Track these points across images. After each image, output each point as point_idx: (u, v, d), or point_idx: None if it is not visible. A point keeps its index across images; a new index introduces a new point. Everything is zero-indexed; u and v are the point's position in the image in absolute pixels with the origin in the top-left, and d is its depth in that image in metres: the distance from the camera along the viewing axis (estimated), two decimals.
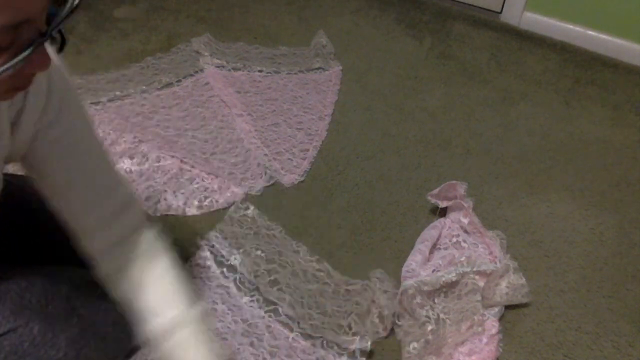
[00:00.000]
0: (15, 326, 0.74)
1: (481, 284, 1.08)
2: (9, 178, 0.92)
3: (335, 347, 0.99)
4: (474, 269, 1.08)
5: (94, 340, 0.81)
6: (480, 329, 1.02)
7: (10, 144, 0.66)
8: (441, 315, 1.03)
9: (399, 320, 1.04)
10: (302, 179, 1.34)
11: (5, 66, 0.47)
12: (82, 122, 0.73)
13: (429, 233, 1.17)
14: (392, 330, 1.04)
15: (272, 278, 1.07)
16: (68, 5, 0.52)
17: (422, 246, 1.13)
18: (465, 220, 1.19)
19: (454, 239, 1.18)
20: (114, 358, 0.88)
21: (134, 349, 0.95)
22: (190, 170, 1.32)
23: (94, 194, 0.74)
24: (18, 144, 0.67)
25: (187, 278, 0.81)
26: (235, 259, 1.10)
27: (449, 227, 1.20)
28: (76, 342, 0.79)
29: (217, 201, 1.26)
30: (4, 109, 0.61)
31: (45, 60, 0.52)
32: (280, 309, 1.04)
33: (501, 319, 1.06)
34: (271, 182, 1.32)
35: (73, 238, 0.77)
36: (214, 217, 1.24)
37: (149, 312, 0.75)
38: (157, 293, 0.77)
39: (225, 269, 1.10)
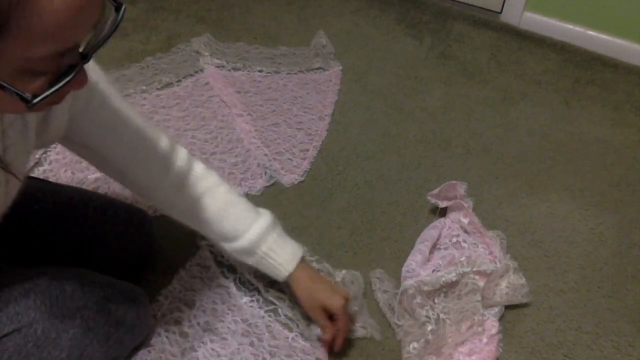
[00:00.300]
0: (19, 326, 0.75)
1: (481, 284, 1.08)
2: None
3: None
4: (474, 269, 1.08)
5: (97, 340, 0.82)
6: (480, 329, 1.02)
7: (39, 136, 0.71)
8: (441, 315, 1.03)
9: (399, 320, 1.04)
10: (302, 179, 1.34)
11: (51, 91, 0.50)
12: (111, 93, 0.80)
13: (429, 233, 1.17)
14: (392, 330, 1.04)
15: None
16: (108, 26, 0.56)
17: (422, 246, 1.13)
18: (465, 220, 1.19)
19: (454, 239, 1.18)
20: (116, 358, 0.88)
21: (136, 348, 0.95)
22: None
23: (142, 155, 0.84)
24: (53, 132, 0.73)
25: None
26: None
27: (449, 227, 1.20)
28: (79, 342, 0.80)
29: None
30: None
31: (84, 79, 0.56)
32: (280, 309, 1.04)
33: (501, 319, 1.06)
34: (271, 182, 1.32)
35: (140, 196, 0.93)
36: None
37: (237, 230, 0.90)
38: (236, 212, 0.91)
39: (225, 269, 1.10)
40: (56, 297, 0.79)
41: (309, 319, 1.00)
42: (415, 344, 0.98)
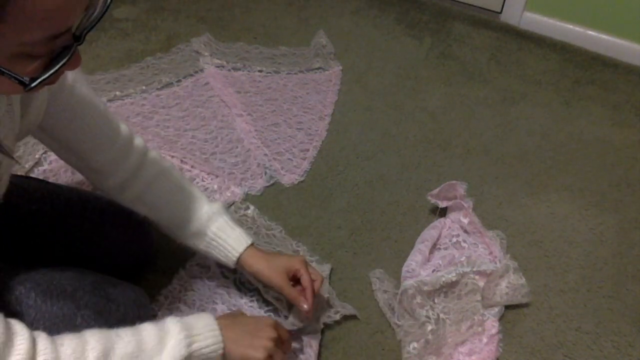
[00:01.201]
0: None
1: (481, 284, 1.08)
2: (11, 179, 0.92)
3: None
4: (474, 269, 1.08)
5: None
6: (480, 329, 1.02)
7: (23, 120, 0.72)
8: (441, 315, 1.03)
9: (399, 320, 1.04)
10: (302, 179, 1.34)
11: (48, 73, 0.52)
12: (79, 77, 0.80)
13: (429, 233, 1.17)
14: (392, 330, 1.04)
15: None
16: (98, 7, 0.58)
17: (422, 246, 1.13)
18: (465, 220, 1.19)
19: (454, 239, 1.18)
20: None
21: None
22: (190, 170, 1.32)
23: (105, 139, 0.86)
24: (33, 115, 0.74)
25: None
26: None
27: (449, 227, 1.20)
28: None
29: (216, 201, 1.26)
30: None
31: (78, 60, 0.57)
32: (279, 310, 1.04)
33: (501, 319, 1.06)
34: (271, 182, 1.32)
35: (93, 182, 0.93)
36: None
37: (188, 212, 0.92)
38: (187, 195, 0.93)
39: (225, 269, 1.10)
40: (57, 296, 0.80)
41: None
42: (415, 344, 0.98)
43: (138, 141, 0.91)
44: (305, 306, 0.91)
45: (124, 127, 0.89)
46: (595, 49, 1.81)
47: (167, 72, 1.63)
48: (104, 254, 0.98)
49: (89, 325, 0.80)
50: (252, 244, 0.94)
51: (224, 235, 0.93)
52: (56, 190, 0.98)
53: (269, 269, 0.92)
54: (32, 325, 0.75)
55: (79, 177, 1.27)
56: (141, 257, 1.05)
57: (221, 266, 1.11)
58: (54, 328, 0.77)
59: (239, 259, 0.93)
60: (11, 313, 0.75)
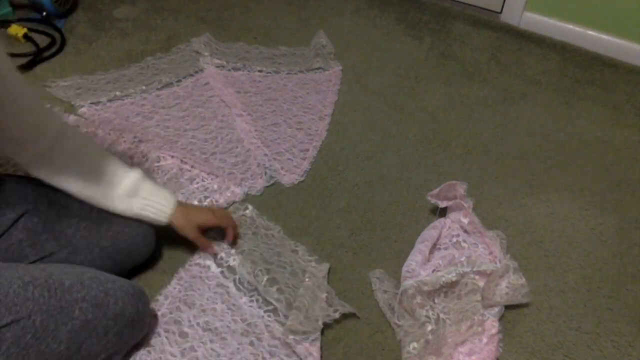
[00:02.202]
0: (18, 318, 0.76)
1: (481, 284, 1.08)
2: (6, 179, 0.92)
3: None
4: (474, 269, 1.08)
5: (95, 333, 0.83)
6: (480, 329, 1.02)
7: None
8: (441, 315, 1.03)
9: (399, 320, 1.04)
10: (302, 179, 1.34)
11: None
12: (8, 71, 0.82)
13: (429, 233, 1.17)
14: (392, 330, 1.04)
15: (270, 277, 1.07)
16: None
17: (422, 246, 1.13)
18: (465, 220, 1.19)
19: (454, 239, 1.18)
20: (115, 353, 0.89)
21: (136, 348, 0.95)
22: (190, 170, 1.32)
23: (25, 104, 0.86)
24: None
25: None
26: (234, 260, 1.10)
27: (449, 227, 1.20)
28: (78, 335, 0.81)
29: (217, 201, 1.26)
30: None
31: None
32: (279, 309, 1.04)
33: (501, 319, 1.06)
34: (271, 182, 1.32)
35: (13, 153, 0.91)
36: None
37: (116, 175, 0.97)
38: (113, 161, 0.98)
39: (225, 269, 1.10)
40: (55, 289, 0.80)
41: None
42: (415, 344, 0.98)
43: (57, 112, 0.96)
44: (214, 247, 1.10)
45: (42, 101, 0.93)
46: (595, 49, 1.81)
47: (167, 72, 1.63)
48: (104, 252, 0.98)
49: (86, 319, 0.81)
50: (179, 202, 1.05)
51: (158, 193, 1.01)
52: (53, 189, 0.98)
53: (183, 224, 1.04)
54: (29, 318, 0.76)
55: None
56: (142, 255, 1.06)
57: (221, 266, 1.11)
58: (51, 320, 0.78)
59: (171, 214, 1.02)
60: (7, 306, 0.75)
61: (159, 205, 1.00)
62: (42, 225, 0.94)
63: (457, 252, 1.13)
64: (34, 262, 0.92)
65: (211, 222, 1.08)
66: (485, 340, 1.01)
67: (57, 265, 0.87)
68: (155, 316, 1.01)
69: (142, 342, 0.96)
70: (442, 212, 1.25)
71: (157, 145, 1.37)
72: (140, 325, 0.93)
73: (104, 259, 0.98)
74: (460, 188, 1.21)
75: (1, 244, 0.90)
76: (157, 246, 1.09)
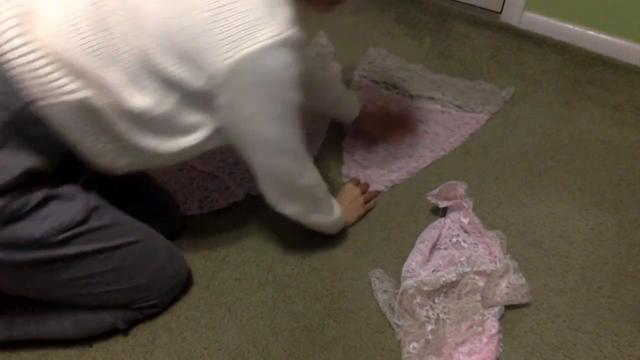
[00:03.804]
0: (131, 240, 0.94)
1: (481, 284, 1.08)
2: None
3: None
4: (474, 269, 1.08)
5: (164, 280, 1.03)
6: (480, 329, 1.02)
7: None
8: (441, 315, 1.03)
9: (398, 320, 1.04)
10: None
11: None
12: None
13: (429, 233, 1.17)
14: (392, 330, 1.04)
15: None
16: None
17: (422, 246, 1.13)
18: (465, 220, 1.19)
19: (454, 239, 1.18)
20: (172, 290, 1.07)
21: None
22: (190, 170, 1.32)
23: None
24: None
25: None
26: None
27: (449, 227, 1.20)
28: (154, 277, 1.00)
29: (217, 201, 1.26)
30: None
31: None
32: None
33: (501, 319, 1.06)
34: None
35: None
36: (214, 217, 1.24)
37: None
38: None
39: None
40: (149, 233, 1.00)
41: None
42: (415, 344, 0.98)
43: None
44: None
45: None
46: (595, 49, 1.81)
47: None
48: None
49: (163, 265, 1.02)
50: None
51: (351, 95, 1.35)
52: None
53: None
54: (136, 244, 0.96)
55: None
56: (171, 230, 1.17)
57: None
58: (146, 254, 0.98)
59: None
60: (125, 229, 0.94)
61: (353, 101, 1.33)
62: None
63: (457, 252, 1.13)
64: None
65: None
66: (485, 340, 1.01)
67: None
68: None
69: None
70: (443, 212, 1.25)
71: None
72: (184, 276, 1.10)
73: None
74: (460, 188, 1.21)
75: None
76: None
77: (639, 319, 1.09)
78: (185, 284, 1.11)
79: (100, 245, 0.89)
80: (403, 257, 1.13)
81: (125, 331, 1.04)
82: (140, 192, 1.11)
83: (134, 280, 0.97)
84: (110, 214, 0.92)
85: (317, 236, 1.21)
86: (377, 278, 1.12)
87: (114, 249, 0.91)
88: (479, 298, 1.06)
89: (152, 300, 1.03)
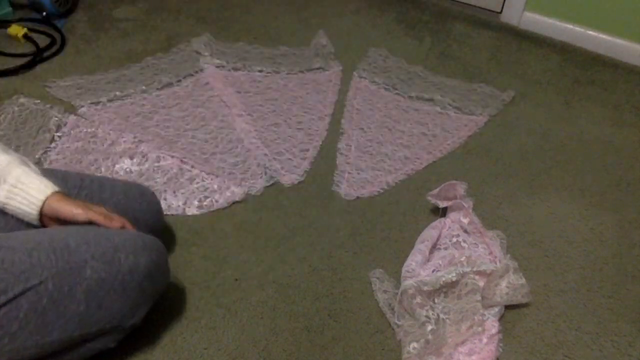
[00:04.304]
0: (29, 285, 0.75)
1: (481, 284, 1.08)
2: None
3: None
4: (474, 269, 1.08)
5: (113, 290, 0.82)
6: (480, 329, 1.02)
7: None
8: (441, 316, 1.03)
9: (399, 320, 1.04)
10: (302, 179, 1.34)
11: None
12: None
13: (429, 233, 1.17)
14: (392, 330, 1.04)
15: None
16: None
17: (422, 246, 1.13)
18: (465, 220, 1.19)
19: (454, 239, 1.18)
20: (139, 306, 0.88)
21: (159, 297, 0.95)
22: (190, 170, 1.32)
23: None
24: None
25: None
26: None
27: (449, 227, 1.20)
28: (95, 294, 0.80)
29: (217, 201, 1.26)
30: None
31: None
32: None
33: (501, 319, 1.06)
34: (271, 182, 1.32)
35: None
36: (214, 217, 1.24)
37: None
38: None
39: None
40: (61, 251, 0.79)
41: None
42: (415, 344, 0.98)
43: None
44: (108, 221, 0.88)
45: None
46: (595, 49, 1.81)
47: (167, 72, 1.63)
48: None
49: (99, 277, 0.80)
50: (59, 192, 0.86)
51: (27, 180, 0.84)
52: (65, 172, 0.98)
53: (71, 205, 0.86)
54: (40, 284, 0.76)
55: None
56: (153, 226, 1.04)
57: None
58: (64, 282, 0.77)
59: (44, 203, 0.84)
60: (15, 275, 0.75)
61: (32, 190, 0.84)
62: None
63: (457, 252, 1.13)
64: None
65: (80, 218, 0.87)
66: (485, 340, 1.01)
67: (59, 228, 0.85)
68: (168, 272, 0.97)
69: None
70: (443, 212, 1.25)
71: (157, 145, 1.37)
72: (160, 276, 0.91)
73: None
74: (460, 188, 1.21)
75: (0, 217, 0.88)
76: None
77: (639, 319, 1.08)
78: (162, 278, 0.93)
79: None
80: (403, 257, 1.13)
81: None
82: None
83: (68, 315, 0.79)
84: None
85: (316, 236, 1.21)
86: (377, 278, 1.12)
87: (18, 296, 0.75)
88: (479, 298, 1.06)
89: (117, 321, 0.85)
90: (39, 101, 1.48)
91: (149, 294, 0.89)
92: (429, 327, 0.99)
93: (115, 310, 0.83)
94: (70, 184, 0.96)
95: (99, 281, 0.80)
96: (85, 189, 0.97)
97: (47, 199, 0.84)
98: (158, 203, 1.08)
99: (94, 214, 0.87)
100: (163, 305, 1.05)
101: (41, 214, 0.85)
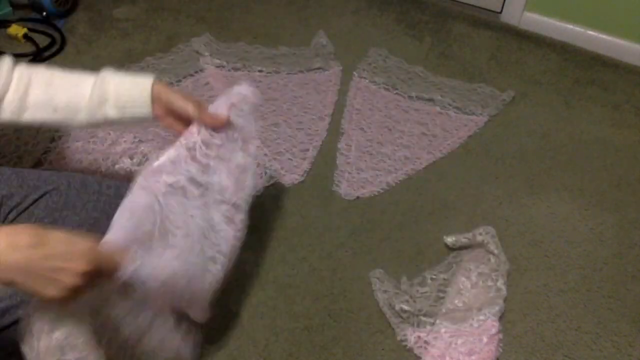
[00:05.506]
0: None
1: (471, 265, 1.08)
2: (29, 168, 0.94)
3: None
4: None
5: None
6: (480, 329, 1.02)
7: None
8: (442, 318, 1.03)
9: (397, 319, 1.04)
10: (302, 179, 1.34)
11: None
12: None
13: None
14: (392, 330, 1.04)
15: None
16: None
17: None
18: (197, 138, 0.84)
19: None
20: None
21: None
22: None
23: None
24: None
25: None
26: None
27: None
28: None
29: None
30: None
31: None
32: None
33: (501, 319, 1.06)
34: (271, 182, 1.32)
35: None
36: None
37: (80, 87, 0.85)
38: (69, 77, 0.86)
39: None
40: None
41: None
42: (412, 340, 0.98)
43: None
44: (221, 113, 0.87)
45: None
46: (595, 49, 1.81)
47: (167, 72, 1.63)
48: None
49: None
50: (155, 79, 0.86)
51: (127, 84, 0.84)
52: (70, 173, 0.99)
53: (181, 96, 0.85)
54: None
55: None
56: None
57: None
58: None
59: (152, 92, 0.84)
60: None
61: (135, 88, 0.84)
62: (62, 202, 0.94)
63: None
64: None
65: (189, 111, 0.84)
66: (485, 340, 1.01)
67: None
68: None
69: None
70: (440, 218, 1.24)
71: (157, 145, 1.37)
72: None
73: None
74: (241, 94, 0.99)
75: (23, 221, 0.90)
76: None
77: (639, 319, 1.08)
78: None
79: None
80: (403, 257, 1.14)
81: None
82: None
83: None
84: None
85: (316, 236, 1.21)
86: (377, 278, 1.12)
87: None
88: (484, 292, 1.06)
89: None
90: None
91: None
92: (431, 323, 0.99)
93: None
94: (89, 189, 0.97)
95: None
96: (104, 194, 0.99)
97: (152, 86, 0.84)
98: None
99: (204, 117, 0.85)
100: None
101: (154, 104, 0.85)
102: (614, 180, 1.38)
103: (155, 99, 0.85)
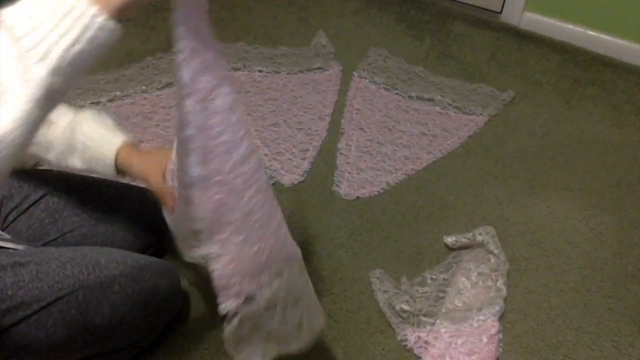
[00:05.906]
0: (62, 294, 0.78)
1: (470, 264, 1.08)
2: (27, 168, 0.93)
3: None
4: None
5: (136, 307, 0.85)
6: (480, 329, 1.02)
7: None
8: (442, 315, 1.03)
9: (397, 319, 1.04)
10: (302, 179, 1.34)
11: None
12: None
13: None
14: (392, 330, 1.04)
15: None
16: None
17: None
18: None
19: None
20: (154, 327, 0.94)
21: (173, 316, 1.00)
22: None
23: None
24: None
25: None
26: None
27: None
28: (119, 309, 0.83)
29: None
30: None
31: None
32: None
33: (501, 319, 1.06)
34: (271, 182, 1.32)
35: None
36: None
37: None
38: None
39: None
40: (92, 267, 0.82)
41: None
42: (412, 340, 0.98)
43: None
44: (169, 202, 0.84)
45: None
46: (595, 49, 1.81)
47: (167, 72, 1.63)
48: (126, 221, 0.99)
49: (125, 293, 0.84)
50: (125, 142, 0.87)
51: (95, 140, 0.85)
52: (69, 173, 0.99)
53: (143, 163, 0.86)
54: (72, 294, 0.79)
55: None
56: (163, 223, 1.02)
57: None
58: (93, 295, 0.80)
59: (116, 156, 0.85)
60: (49, 284, 0.78)
61: (100, 147, 0.86)
62: (63, 203, 0.95)
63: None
64: (55, 239, 0.93)
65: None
66: (485, 340, 1.01)
67: (89, 247, 0.89)
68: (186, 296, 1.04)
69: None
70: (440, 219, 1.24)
71: (157, 145, 1.37)
72: (175, 300, 0.97)
73: (125, 230, 0.99)
74: None
75: (23, 222, 0.91)
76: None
77: (639, 319, 1.08)
78: (175, 302, 0.99)
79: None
80: (403, 257, 1.13)
81: None
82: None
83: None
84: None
85: (316, 236, 1.21)
86: (377, 278, 1.12)
87: (51, 304, 0.78)
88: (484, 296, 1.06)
89: (134, 338, 0.91)
90: None
91: (163, 316, 0.95)
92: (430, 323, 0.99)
93: (134, 328, 0.88)
94: (89, 189, 0.98)
95: (125, 297, 0.83)
96: (104, 195, 0.99)
97: (117, 156, 0.85)
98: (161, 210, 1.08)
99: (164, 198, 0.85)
100: None
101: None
102: (614, 180, 1.38)
103: (117, 164, 0.87)
